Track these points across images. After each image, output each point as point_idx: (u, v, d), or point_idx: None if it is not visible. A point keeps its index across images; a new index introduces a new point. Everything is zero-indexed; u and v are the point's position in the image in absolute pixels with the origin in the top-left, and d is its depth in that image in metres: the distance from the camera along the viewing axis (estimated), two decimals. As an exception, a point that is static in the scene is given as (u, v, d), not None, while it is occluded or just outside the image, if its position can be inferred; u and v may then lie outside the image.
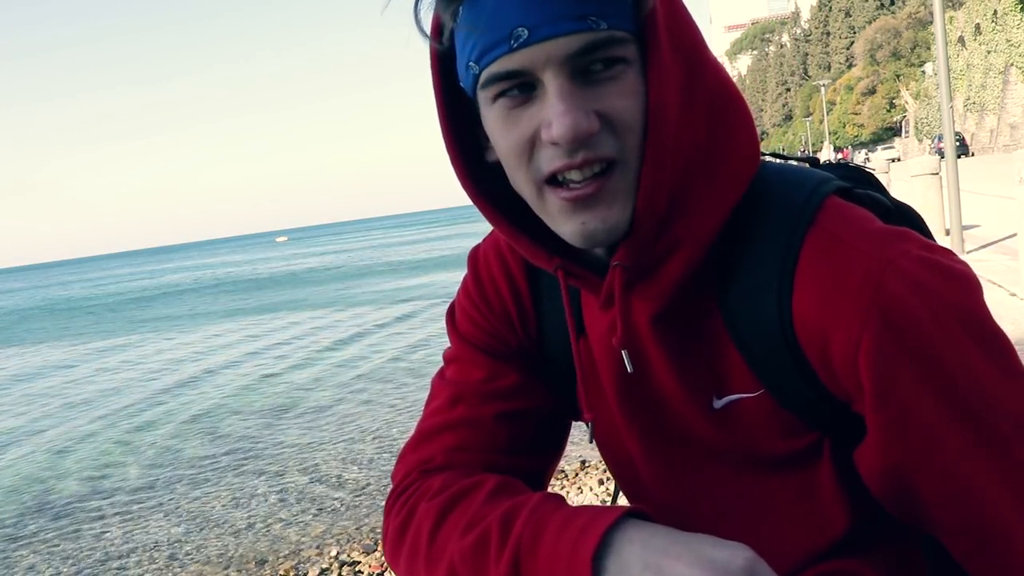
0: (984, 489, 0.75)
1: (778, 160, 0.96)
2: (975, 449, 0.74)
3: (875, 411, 0.77)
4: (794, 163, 0.95)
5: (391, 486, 1.01)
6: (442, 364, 1.07)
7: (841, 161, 1.03)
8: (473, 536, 0.83)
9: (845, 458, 0.87)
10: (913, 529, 0.91)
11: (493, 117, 0.80)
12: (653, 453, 0.96)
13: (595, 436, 1.02)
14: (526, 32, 0.74)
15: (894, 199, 0.95)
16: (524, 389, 1.00)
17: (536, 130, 0.77)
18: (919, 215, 0.96)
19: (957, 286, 0.77)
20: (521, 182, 0.82)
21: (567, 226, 0.81)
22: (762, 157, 0.90)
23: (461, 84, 0.83)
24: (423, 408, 1.05)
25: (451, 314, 1.07)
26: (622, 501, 1.07)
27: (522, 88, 0.77)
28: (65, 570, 5.94)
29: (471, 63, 0.78)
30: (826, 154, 28.06)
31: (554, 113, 0.75)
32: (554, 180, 0.79)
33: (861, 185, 0.94)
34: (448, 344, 1.08)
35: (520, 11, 0.74)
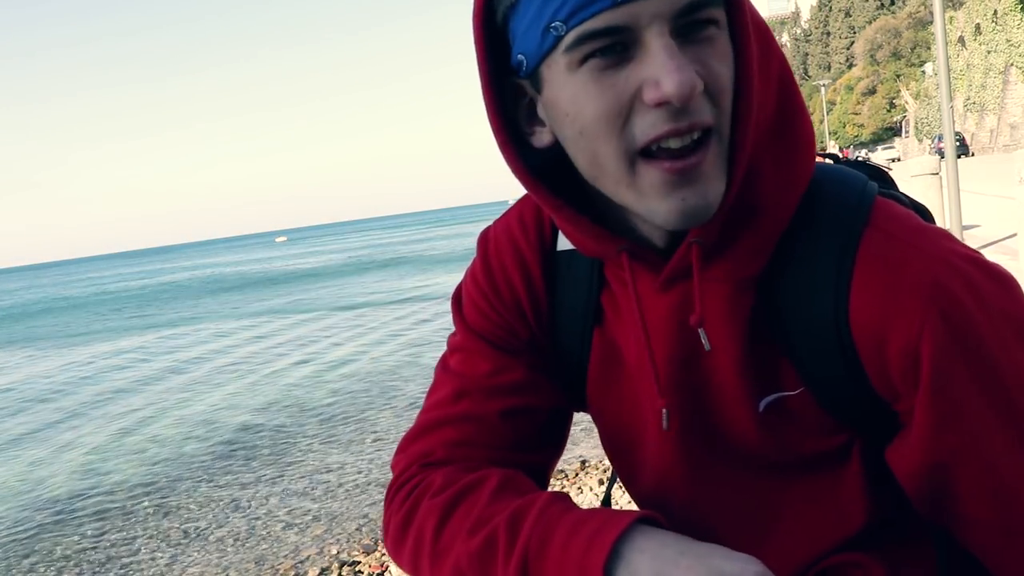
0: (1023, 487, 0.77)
1: None
2: (1019, 447, 0.76)
3: (927, 406, 0.78)
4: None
5: (391, 476, 0.99)
6: (446, 350, 1.03)
7: (859, 159, 1.03)
8: (480, 537, 0.82)
9: (872, 458, 0.88)
10: (925, 528, 0.92)
11: (580, 82, 0.74)
12: (683, 449, 0.93)
13: (606, 426, 1.00)
14: None
15: (909, 197, 0.96)
16: (531, 385, 0.97)
17: (634, 93, 0.73)
18: (931, 213, 0.97)
19: (1006, 288, 0.79)
20: (607, 155, 0.76)
21: (664, 203, 0.76)
22: None
23: (519, 58, 0.79)
24: (425, 397, 1.02)
25: (457, 300, 1.03)
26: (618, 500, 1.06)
27: (616, 48, 0.72)
28: (66, 571, 5.94)
29: (555, 24, 0.73)
30: (829, 150, 28.17)
31: (665, 70, 0.70)
32: (647, 153, 0.74)
33: (882, 185, 0.95)
34: (453, 329, 1.04)
35: None
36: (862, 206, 0.82)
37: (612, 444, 1.02)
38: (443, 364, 1.02)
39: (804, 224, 0.83)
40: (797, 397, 0.85)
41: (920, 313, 0.76)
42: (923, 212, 0.95)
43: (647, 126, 0.73)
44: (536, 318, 0.99)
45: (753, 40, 0.78)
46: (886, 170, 1.01)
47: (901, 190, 0.99)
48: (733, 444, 0.90)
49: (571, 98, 0.76)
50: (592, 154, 0.77)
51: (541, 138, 0.83)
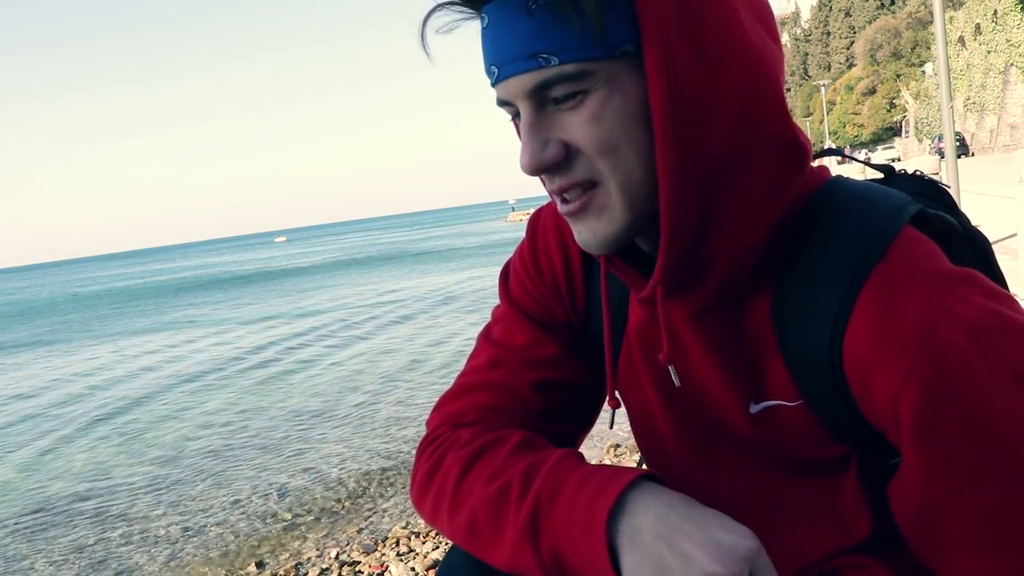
0: (1019, 542, 0.74)
1: (835, 158, 0.96)
2: (1014, 498, 0.73)
3: (912, 450, 0.77)
4: (863, 168, 0.94)
5: (424, 432, 1.06)
6: (489, 320, 1.11)
7: (918, 174, 1.00)
8: (496, 486, 0.87)
9: (871, 473, 0.88)
10: None
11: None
12: (685, 441, 0.97)
13: (630, 412, 1.05)
14: (496, 70, 0.81)
15: (966, 222, 0.92)
16: (563, 361, 1.03)
17: None
18: (988, 242, 0.93)
19: (1014, 337, 0.75)
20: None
21: (572, 234, 0.87)
22: (817, 155, 0.91)
23: None
24: (466, 361, 1.10)
25: (505, 274, 1.11)
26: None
27: (517, 114, 0.83)
28: (65, 569, 5.94)
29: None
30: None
31: (522, 146, 0.81)
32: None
33: (934, 204, 0.92)
34: (498, 303, 1.12)
35: (491, 50, 0.81)
36: (882, 237, 0.80)
37: (636, 429, 1.07)
38: (486, 332, 1.10)
39: (818, 247, 0.83)
40: (796, 408, 0.87)
41: (909, 360, 0.74)
42: (976, 240, 0.91)
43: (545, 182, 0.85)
44: (572, 303, 1.05)
45: (673, 83, 0.75)
46: (943, 186, 0.98)
47: (960, 210, 0.95)
48: (731, 437, 0.93)
49: None
50: None
51: None
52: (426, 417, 1.10)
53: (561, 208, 0.84)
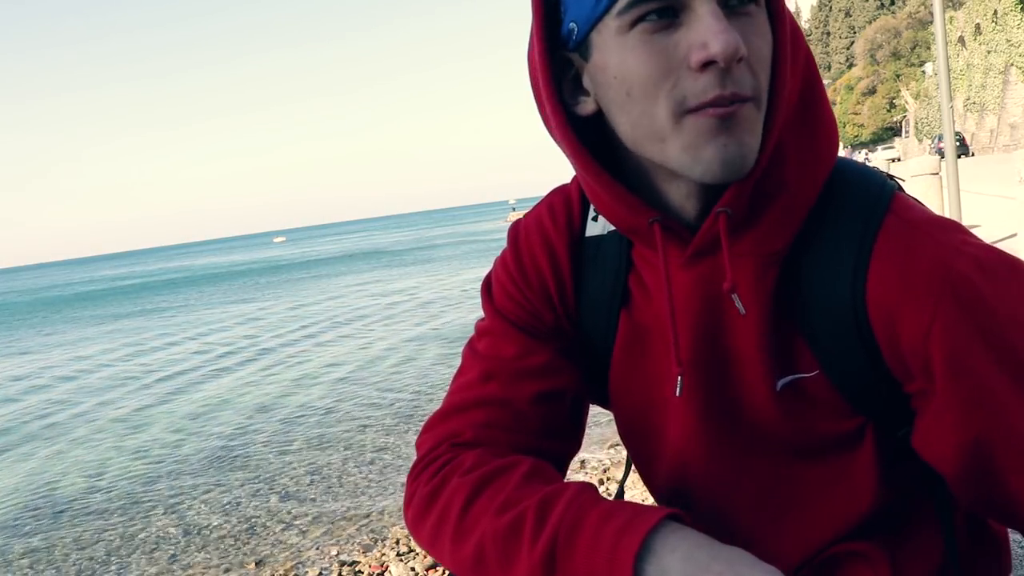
0: None
1: None
2: None
3: (948, 387, 0.79)
4: None
5: (416, 455, 1.02)
6: (473, 335, 1.07)
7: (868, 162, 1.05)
8: (508, 517, 0.84)
9: (884, 443, 0.90)
10: (929, 517, 0.95)
11: (630, 46, 0.79)
12: (702, 428, 0.94)
13: (626, 409, 1.02)
14: None
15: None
16: (556, 369, 1.00)
17: (683, 55, 0.77)
18: None
19: (1017, 272, 0.81)
20: (655, 112, 0.80)
21: (706, 151, 0.79)
22: None
23: (571, 26, 0.83)
24: (452, 379, 1.05)
25: (487, 286, 1.07)
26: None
27: (665, 13, 0.77)
28: (65, 569, 5.94)
29: None
30: (839, 152, 28.31)
31: (712, 32, 0.74)
32: (693, 110, 0.79)
33: None
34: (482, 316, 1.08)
35: None
36: (883, 195, 0.86)
37: (632, 427, 1.04)
38: (471, 348, 1.05)
39: (828, 207, 0.86)
40: (812, 379, 0.88)
41: (933, 296, 0.78)
42: None
43: (696, 90, 0.77)
44: (562, 303, 1.02)
45: (787, 24, 0.82)
46: (899, 181, 1.02)
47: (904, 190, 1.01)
48: (751, 423, 0.92)
49: (620, 61, 0.80)
50: (639, 114, 0.81)
51: (585, 107, 0.87)
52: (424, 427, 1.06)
53: (714, 111, 0.77)
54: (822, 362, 0.87)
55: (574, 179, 1.04)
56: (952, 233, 0.82)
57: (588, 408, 1.07)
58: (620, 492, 1.21)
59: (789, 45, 0.82)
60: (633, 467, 1.12)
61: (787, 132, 0.84)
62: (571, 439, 1.04)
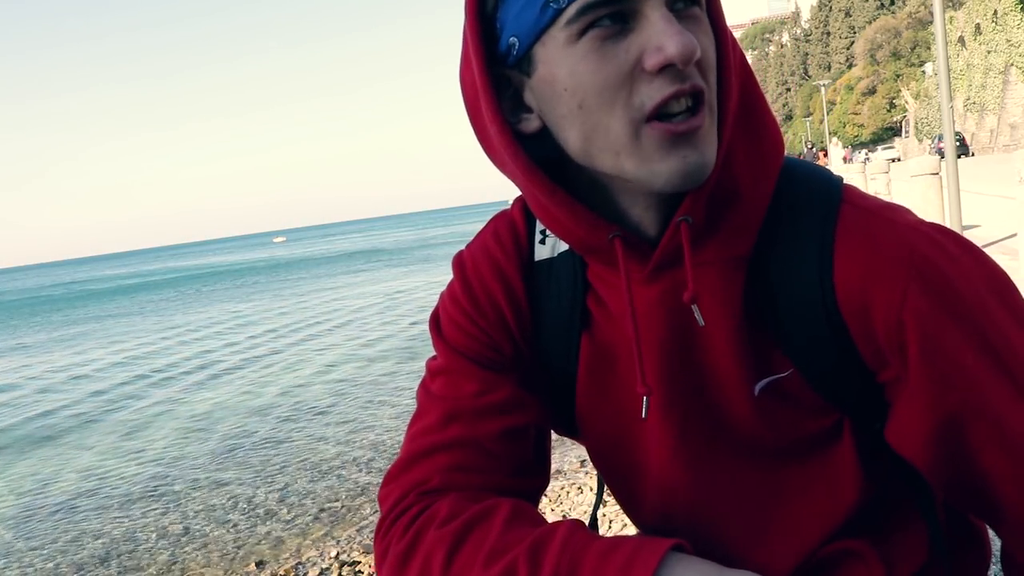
0: None
1: None
2: (1018, 401, 0.79)
3: (922, 367, 0.80)
4: None
5: (380, 512, 0.95)
6: (425, 376, 1.01)
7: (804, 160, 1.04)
8: (498, 568, 0.79)
9: (862, 437, 0.90)
10: (914, 509, 0.94)
11: (580, 55, 0.76)
12: (681, 440, 0.92)
13: (596, 432, 0.99)
14: None
15: None
16: (518, 403, 0.96)
17: (636, 60, 0.75)
18: None
19: (972, 251, 0.83)
20: (611, 124, 0.77)
21: (666, 163, 0.77)
22: None
23: (511, 41, 0.80)
24: (408, 426, 0.99)
25: (435, 322, 1.02)
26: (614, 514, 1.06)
27: (616, 18, 0.75)
28: (64, 568, 5.94)
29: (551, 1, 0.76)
30: (835, 152, 27.96)
31: (667, 34, 0.73)
32: (651, 119, 0.76)
33: None
34: (433, 354, 1.02)
35: None
36: (834, 188, 0.87)
37: (605, 452, 1.01)
38: (425, 390, 1.00)
39: (784, 206, 0.87)
40: (788, 378, 0.87)
41: (902, 279, 0.79)
42: None
43: (653, 91, 0.75)
44: (521, 331, 0.98)
45: (728, 30, 0.83)
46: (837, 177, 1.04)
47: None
48: (731, 432, 0.91)
49: (570, 72, 0.77)
50: (592, 126, 0.78)
51: (528, 124, 0.84)
52: None
53: (673, 127, 0.76)
54: (795, 360, 0.87)
55: (515, 203, 1.00)
56: (907, 216, 0.85)
57: (551, 441, 1.03)
58: (593, 520, 1.17)
59: (731, 47, 0.82)
60: (607, 491, 1.08)
61: (734, 136, 0.83)
62: (539, 474, 1.00)
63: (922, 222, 0.84)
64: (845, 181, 0.90)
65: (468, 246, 1.03)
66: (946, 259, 0.81)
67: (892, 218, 0.83)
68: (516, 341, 0.98)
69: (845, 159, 43.45)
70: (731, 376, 0.88)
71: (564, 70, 0.77)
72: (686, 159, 0.76)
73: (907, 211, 0.86)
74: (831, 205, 0.85)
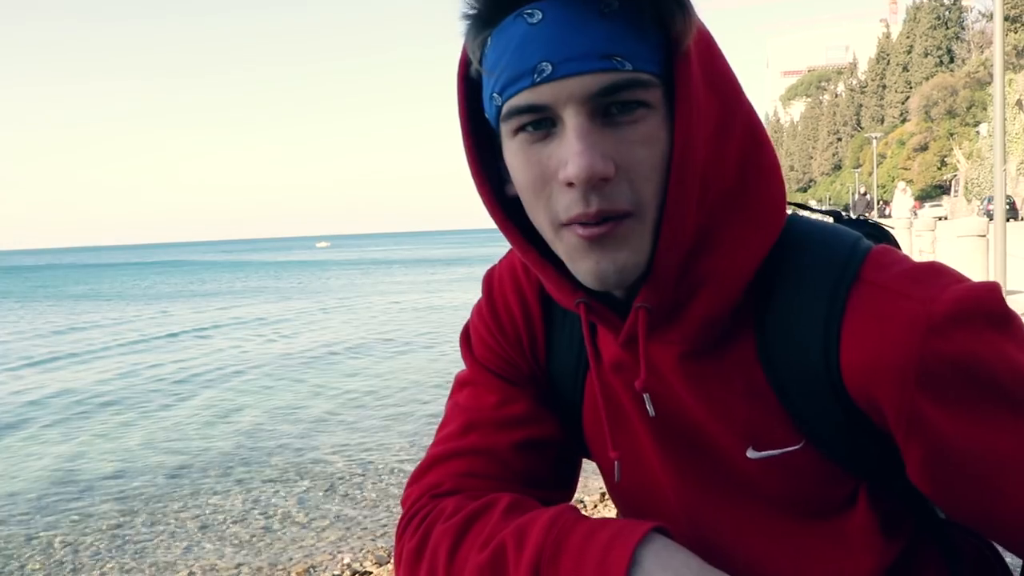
0: None
1: (801, 211, 0.96)
2: None
3: (937, 458, 0.77)
4: (816, 217, 0.95)
5: (402, 511, 0.99)
6: (453, 385, 1.06)
7: (863, 218, 1.02)
8: (488, 551, 0.82)
9: (878, 502, 0.88)
10: (938, 563, 0.92)
11: (513, 150, 0.80)
12: (686, 486, 0.93)
13: (604, 466, 1.00)
14: (550, 67, 0.74)
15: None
16: (537, 417, 0.99)
17: (554, 169, 0.77)
18: None
19: (996, 318, 0.77)
20: (538, 218, 0.81)
21: (581, 264, 0.80)
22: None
23: (486, 115, 0.83)
24: (435, 433, 1.04)
25: (466, 336, 1.07)
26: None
27: (543, 124, 0.77)
28: (82, 548, 6.01)
29: (495, 94, 0.78)
30: (902, 200, 26.53)
31: (571, 152, 0.74)
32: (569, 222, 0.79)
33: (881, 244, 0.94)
34: (463, 367, 1.07)
35: (546, 46, 0.74)
36: (852, 260, 0.82)
37: (613, 483, 1.02)
38: (453, 400, 1.04)
39: (791, 280, 0.84)
40: (799, 451, 0.85)
41: (911, 381, 0.75)
42: None
43: (563, 206, 0.77)
44: (534, 355, 1.02)
45: (704, 111, 0.78)
46: (886, 229, 1.00)
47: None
48: (732, 482, 0.90)
49: (511, 162, 0.81)
50: (531, 213, 0.82)
51: (511, 188, 0.85)
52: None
53: (583, 232, 0.77)
54: (807, 433, 0.84)
55: None
56: (928, 282, 0.78)
57: (580, 462, 1.05)
58: None
59: (710, 133, 0.79)
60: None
61: (718, 220, 0.81)
62: (560, 488, 1.02)
63: (947, 289, 0.77)
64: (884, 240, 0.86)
65: (500, 263, 1.07)
66: (963, 332, 0.75)
67: (910, 292, 0.78)
68: (530, 364, 1.02)
69: (914, 210, 38.96)
70: (715, 440, 0.89)
71: (508, 158, 0.82)
72: (598, 264, 0.78)
73: (935, 275, 0.80)
74: (842, 281, 0.81)
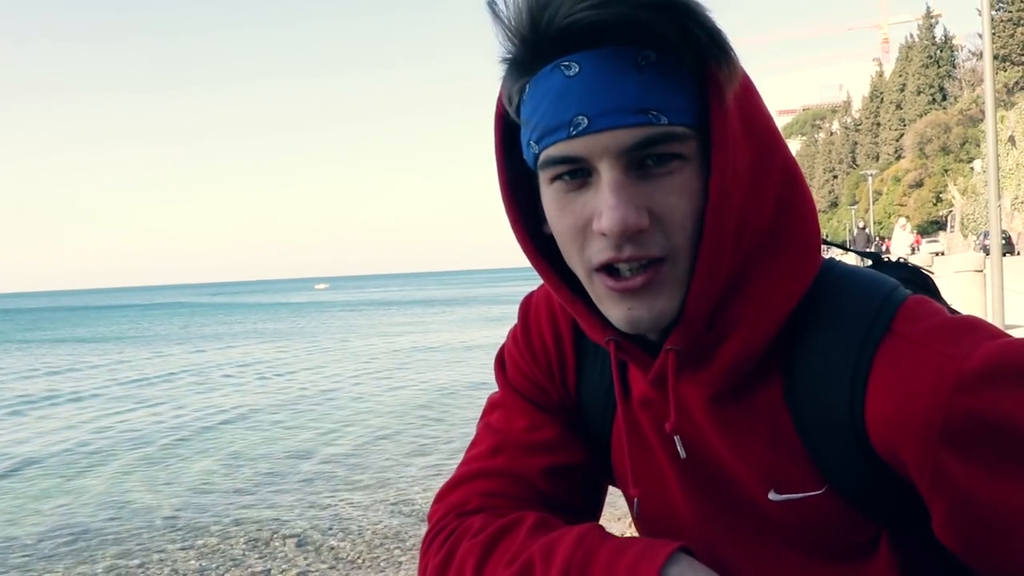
0: None
1: (835, 249, 0.97)
2: None
3: (962, 514, 0.77)
4: (852, 256, 0.95)
5: (427, 527, 1.01)
6: (486, 406, 1.08)
7: (902, 261, 1.03)
8: (517, 566, 0.84)
9: (901, 549, 0.87)
10: None
11: (549, 197, 0.82)
12: (707, 522, 0.94)
13: (625, 486, 1.00)
14: (586, 120, 0.75)
15: (949, 307, 0.92)
16: (565, 444, 1.00)
17: (589, 218, 0.78)
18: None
19: None
20: (573, 263, 0.83)
21: (614, 311, 0.82)
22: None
23: (523, 156, 0.85)
24: (465, 452, 1.06)
25: (500, 360, 1.09)
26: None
27: (578, 174, 0.78)
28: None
29: (532, 142, 0.80)
30: (901, 236, 26.58)
31: (605, 205, 0.76)
32: (603, 268, 0.80)
33: (919, 290, 0.95)
34: (496, 389, 1.09)
35: (582, 99, 0.75)
36: (884, 310, 0.82)
37: (646, 514, 1.02)
38: (484, 421, 1.07)
39: (823, 326, 0.84)
40: (821, 496, 0.85)
41: (934, 440, 0.75)
42: None
43: (596, 251, 0.79)
44: (564, 384, 1.03)
45: (740, 160, 0.79)
46: (925, 272, 1.00)
47: (942, 297, 0.97)
48: (755, 521, 0.91)
49: (548, 206, 0.83)
50: (566, 257, 0.84)
51: (548, 228, 0.87)
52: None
53: (613, 284, 0.79)
54: (830, 478, 0.84)
55: None
56: (960, 339, 0.77)
57: (606, 490, 1.07)
58: None
59: (745, 182, 0.79)
60: None
61: (751, 264, 0.82)
62: (585, 513, 1.03)
63: (976, 340, 0.76)
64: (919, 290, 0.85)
65: (537, 290, 1.08)
66: (996, 385, 0.73)
67: (940, 346, 0.76)
68: (560, 392, 1.03)
69: (914, 246, 38.49)
70: (740, 480, 0.89)
71: (546, 203, 0.84)
72: (631, 311, 0.80)
73: (969, 330, 0.78)
74: (872, 332, 0.80)
